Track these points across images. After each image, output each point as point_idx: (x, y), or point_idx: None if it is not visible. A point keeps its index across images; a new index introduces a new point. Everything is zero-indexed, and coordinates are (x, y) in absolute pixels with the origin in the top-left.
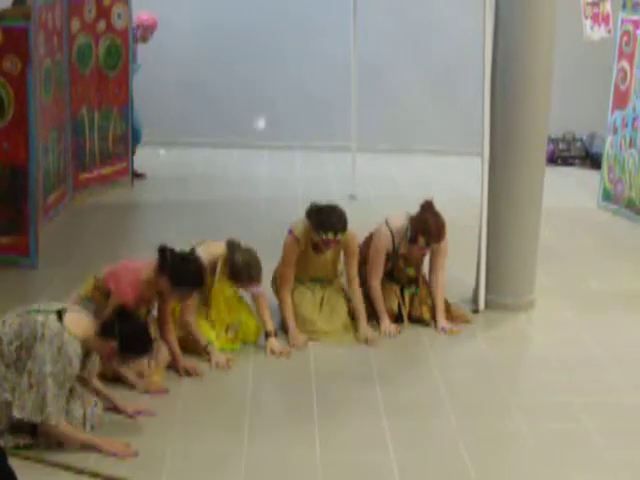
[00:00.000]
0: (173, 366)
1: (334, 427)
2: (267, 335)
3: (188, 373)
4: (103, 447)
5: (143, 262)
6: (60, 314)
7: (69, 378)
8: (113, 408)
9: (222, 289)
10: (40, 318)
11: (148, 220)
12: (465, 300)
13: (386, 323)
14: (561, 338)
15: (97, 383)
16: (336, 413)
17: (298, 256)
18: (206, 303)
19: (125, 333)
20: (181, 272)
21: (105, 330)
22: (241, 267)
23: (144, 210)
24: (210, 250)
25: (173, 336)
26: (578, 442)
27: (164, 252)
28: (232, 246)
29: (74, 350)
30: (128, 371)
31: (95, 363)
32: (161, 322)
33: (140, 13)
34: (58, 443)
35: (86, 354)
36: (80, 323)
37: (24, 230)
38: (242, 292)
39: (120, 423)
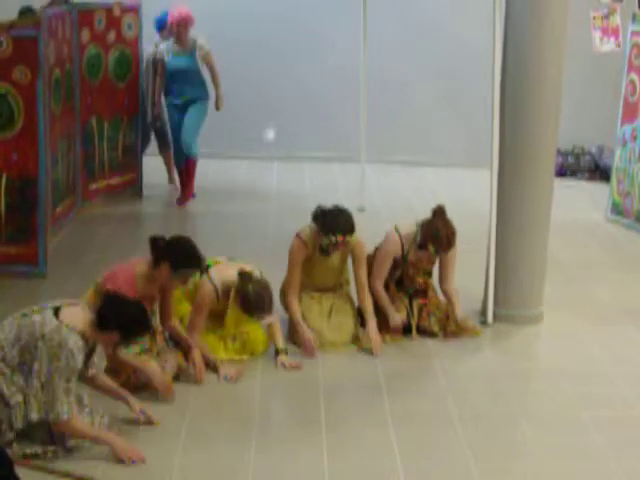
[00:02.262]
0: (186, 356)
1: (342, 438)
2: (277, 352)
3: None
4: (116, 445)
5: (135, 259)
6: (56, 311)
7: (73, 371)
8: (123, 401)
9: (237, 314)
10: (37, 318)
11: (157, 230)
12: (473, 312)
13: (393, 317)
14: (569, 351)
15: (104, 378)
16: (344, 424)
17: (305, 262)
18: (215, 320)
19: (122, 320)
20: (178, 254)
21: (103, 323)
22: (253, 300)
23: (153, 220)
24: (222, 276)
25: (179, 327)
26: (586, 455)
27: (156, 241)
28: (244, 277)
29: (74, 343)
30: (132, 359)
31: (94, 356)
32: (164, 318)
33: (172, 10)
34: (68, 448)
35: (87, 345)
36: (77, 316)
37: (33, 240)
38: None
39: (126, 435)
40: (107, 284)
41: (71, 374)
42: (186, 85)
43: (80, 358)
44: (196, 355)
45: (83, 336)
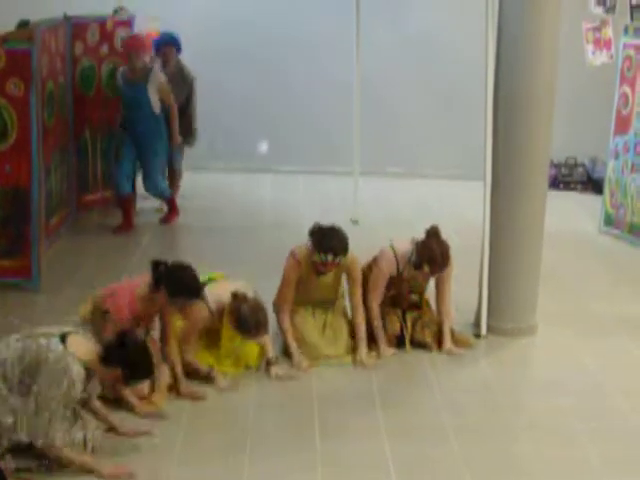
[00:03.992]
0: (175, 388)
1: (336, 452)
2: (268, 363)
3: (192, 397)
4: (103, 473)
5: (140, 279)
6: (63, 337)
7: (72, 400)
8: (112, 430)
9: (230, 335)
10: (43, 341)
11: (150, 243)
12: (467, 325)
13: (383, 348)
14: (563, 363)
15: (97, 404)
16: (338, 438)
17: (300, 280)
18: (210, 338)
19: (128, 361)
20: (176, 282)
21: (108, 358)
22: (247, 322)
23: (147, 233)
24: (216, 296)
25: (176, 356)
26: (581, 468)
27: (157, 265)
28: (238, 299)
29: (77, 372)
30: (129, 393)
31: (96, 385)
32: (164, 342)
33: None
34: (59, 464)
35: (87, 376)
36: (83, 346)
37: (27, 252)
38: None
39: (120, 447)
40: (107, 303)
41: (69, 402)
42: (137, 116)
43: (80, 387)
44: (182, 390)
45: (85, 366)
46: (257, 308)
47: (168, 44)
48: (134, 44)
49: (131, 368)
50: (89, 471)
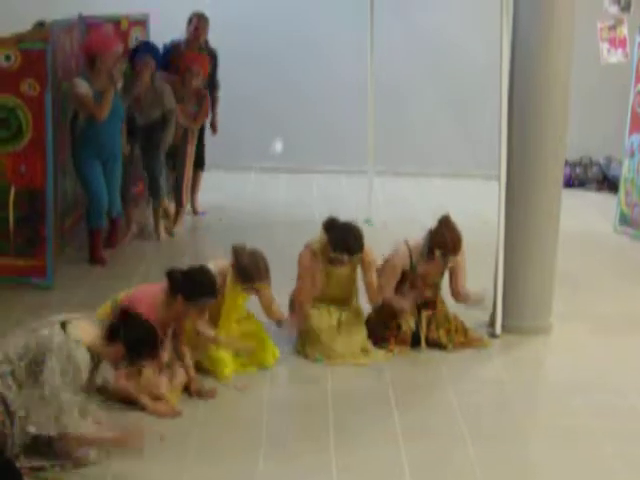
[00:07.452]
0: (187, 388)
1: (351, 453)
2: (279, 323)
3: (200, 395)
4: (118, 439)
5: (159, 286)
6: (64, 325)
7: (79, 385)
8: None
9: (234, 299)
10: (45, 332)
11: (165, 243)
12: (482, 324)
13: (399, 301)
14: (578, 362)
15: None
16: (353, 438)
17: (315, 273)
18: (216, 324)
19: (131, 336)
20: (192, 286)
21: (111, 334)
22: (249, 266)
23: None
24: (218, 264)
25: (188, 358)
26: (596, 467)
27: (172, 274)
28: (237, 250)
29: (82, 357)
30: (142, 395)
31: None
32: (177, 344)
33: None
34: (75, 460)
35: (92, 359)
36: (84, 330)
37: (41, 252)
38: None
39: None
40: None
41: (77, 388)
42: (105, 129)
43: (86, 371)
44: (193, 389)
45: (89, 349)
46: (257, 254)
47: (146, 53)
48: (100, 45)
49: (133, 344)
50: (108, 443)
